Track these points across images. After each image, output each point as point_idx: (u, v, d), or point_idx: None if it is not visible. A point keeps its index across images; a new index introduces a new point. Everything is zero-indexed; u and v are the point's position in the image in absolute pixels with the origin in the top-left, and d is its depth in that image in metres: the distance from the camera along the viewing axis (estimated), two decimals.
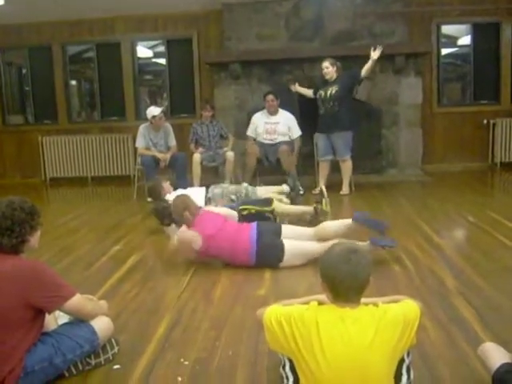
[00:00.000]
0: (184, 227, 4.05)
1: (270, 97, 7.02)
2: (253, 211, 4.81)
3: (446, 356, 2.54)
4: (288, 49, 7.77)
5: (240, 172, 7.39)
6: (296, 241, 3.96)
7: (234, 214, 4.53)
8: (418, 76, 7.87)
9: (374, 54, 6.38)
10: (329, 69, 6.53)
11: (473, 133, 8.34)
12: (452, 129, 8.36)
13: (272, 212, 4.88)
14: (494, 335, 2.65)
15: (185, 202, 4.11)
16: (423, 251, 4.24)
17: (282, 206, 5.17)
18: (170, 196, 5.42)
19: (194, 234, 3.88)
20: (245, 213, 4.77)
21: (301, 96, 7.21)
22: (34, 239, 2.45)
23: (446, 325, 2.87)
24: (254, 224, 4.08)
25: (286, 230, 4.14)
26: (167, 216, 4.71)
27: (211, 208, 4.54)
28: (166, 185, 5.71)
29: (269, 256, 3.86)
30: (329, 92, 6.56)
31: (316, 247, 3.84)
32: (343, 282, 1.87)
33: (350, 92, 6.62)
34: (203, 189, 5.79)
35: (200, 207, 4.39)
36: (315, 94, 6.82)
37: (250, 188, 5.81)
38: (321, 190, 5.44)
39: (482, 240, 4.56)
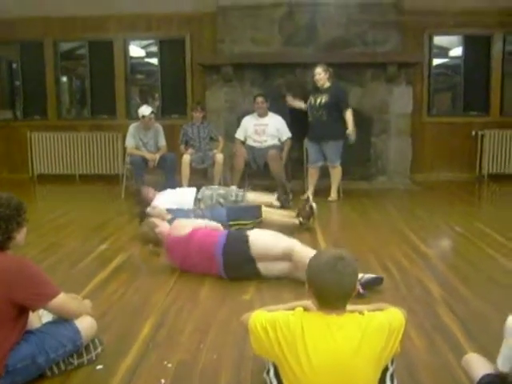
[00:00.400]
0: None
1: (260, 99, 7.05)
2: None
3: (430, 364, 2.55)
4: (281, 53, 7.77)
5: (229, 174, 7.38)
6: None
7: (219, 226, 4.30)
8: (409, 85, 7.91)
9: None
10: (321, 75, 6.54)
11: (461, 143, 8.40)
12: (441, 139, 8.41)
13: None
14: (478, 345, 2.67)
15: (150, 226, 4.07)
16: (410, 260, 4.26)
17: (270, 216, 5.09)
18: (156, 201, 5.41)
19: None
20: (235, 228, 4.76)
21: (294, 109, 7.16)
22: (21, 236, 2.42)
23: (431, 333, 2.89)
24: (225, 232, 3.96)
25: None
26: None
27: (196, 221, 4.29)
28: (150, 190, 5.67)
29: (236, 253, 3.69)
30: (318, 100, 6.57)
31: (285, 240, 3.73)
32: (329, 289, 1.87)
33: (338, 104, 6.61)
34: (194, 189, 5.77)
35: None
36: (306, 101, 6.84)
37: (240, 193, 5.77)
38: (307, 201, 5.31)
39: (468, 250, 4.59)
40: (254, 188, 7.11)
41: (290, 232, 4.71)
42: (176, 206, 5.18)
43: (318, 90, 6.63)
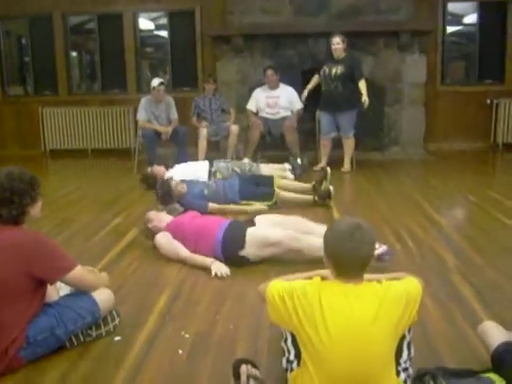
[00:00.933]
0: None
1: (270, 71, 6.97)
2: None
3: (446, 333, 2.56)
4: (292, 23, 7.66)
5: (242, 146, 7.35)
6: (262, 228, 3.72)
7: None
8: (423, 54, 7.79)
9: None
10: (339, 45, 6.43)
11: (476, 112, 8.28)
12: (455, 108, 8.30)
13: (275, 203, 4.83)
14: (493, 314, 2.67)
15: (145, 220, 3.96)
16: (424, 229, 4.25)
17: (283, 195, 4.96)
18: (169, 173, 5.40)
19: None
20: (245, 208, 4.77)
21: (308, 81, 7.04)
22: (35, 210, 2.42)
23: (446, 303, 2.89)
24: (226, 222, 3.77)
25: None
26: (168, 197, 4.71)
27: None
28: (157, 168, 5.65)
29: (230, 246, 3.54)
30: (334, 71, 6.47)
31: (278, 232, 3.56)
32: (347, 258, 1.86)
33: (353, 74, 6.52)
34: (206, 162, 5.77)
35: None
36: (319, 70, 6.73)
37: (254, 164, 5.77)
38: (324, 171, 5.26)
39: (482, 219, 4.57)
40: (267, 160, 7.12)
41: (303, 207, 4.73)
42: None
43: (332, 60, 6.53)
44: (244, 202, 4.85)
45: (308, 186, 5.17)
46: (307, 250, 3.39)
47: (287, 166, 6.01)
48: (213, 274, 3.34)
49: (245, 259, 3.52)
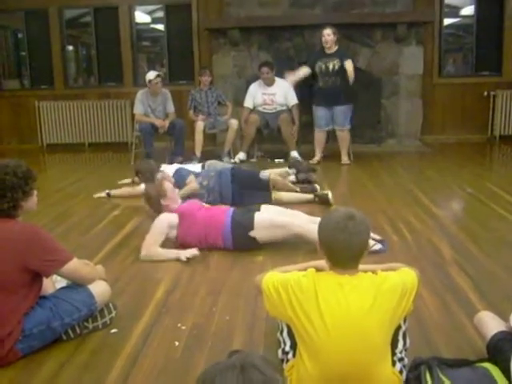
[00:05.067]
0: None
1: (265, 69, 6.89)
2: None
3: (442, 324, 2.57)
4: (288, 16, 7.64)
5: (238, 140, 7.34)
6: (269, 213, 3.80)
7: None
8: (420, 46, 7.78)
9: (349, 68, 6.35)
10: (330, 36, 6.41)
11: (473, 104, 8.28)
12: (452, 100, 8.29)
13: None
14: (489, 304, 2.67)
15: (157, 189, 3.96)
16: (421, 221, 4.25)
17: (281, 197, 4.78)
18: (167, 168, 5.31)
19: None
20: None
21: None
22: (28, 204, 2.41)
23: (442, 293, 2.90)
24: (231, 209, 3.81)
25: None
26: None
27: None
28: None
29: (240, 229, 3.61)
30: (331, 66, 6.43)
31: (283, 217, 3.71)
32: (340, 249, 1.86)
33: None
34: (199, 166, 5.66)
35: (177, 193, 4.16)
36: (312, 65, 6.64)
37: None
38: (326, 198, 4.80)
39: (479, 211, 4.58)
40: (264, 155, 7.13)
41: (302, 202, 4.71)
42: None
43: (325, 54, 6.49)
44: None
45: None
46: (309, 233, 3.41)
47: (290, 170, 5.60)
48: (183, 258, 3.44)
49: (254, 241, 3.60)
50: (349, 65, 6.39)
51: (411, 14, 7.62)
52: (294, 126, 6.95)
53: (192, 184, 4.76)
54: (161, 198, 3.93)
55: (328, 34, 6.41)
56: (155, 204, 3.97)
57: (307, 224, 3.58)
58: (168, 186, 4.01)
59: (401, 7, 7.61)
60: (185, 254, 3.48)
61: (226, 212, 3.75)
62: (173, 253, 3.55)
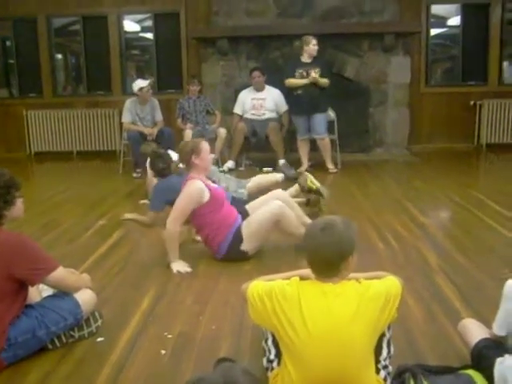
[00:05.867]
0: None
1: (256, 73, 6.98)
2: None
3: (427, 331, 2.58)
4: (277, 25, 7.68)
5: (227, 149, 7.36)
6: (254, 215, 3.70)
7: None
8: (407, 55, 7.84)
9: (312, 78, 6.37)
10: (315, 46, 6.46)
11: (460, 113, 8.34)
12: (439, 109, 8.36)
13: None
14: (475, 312, 2.69)
15: (194, 146, 3.66)
16: (408, 230, 4.27)
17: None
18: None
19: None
20: None
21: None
22: (13, 213, 2.40)
23: (428, 301, 2.92)
24: (239, 219, 3.74)
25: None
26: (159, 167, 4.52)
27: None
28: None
29: (235, 241, 3.61)
30: (312, 74, 6.45)
31: (270, 207, 3.61)
32: (312, 257, 1.90)
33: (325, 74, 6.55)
34: None
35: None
36: (292, 74, 6.55)
37: (240, 190, 5.05)
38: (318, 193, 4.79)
39: (466, 220, 4.61)
40: (252, 163, 7.14)
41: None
42: None
43: (304, 63, 6.49)
44: None
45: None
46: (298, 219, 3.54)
47: (278, 175, 5.65)
48: (174, 271, 3.44)
49: (244, 254, 3.61)
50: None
51: (398, 24, 7.69)
52: (283, 131, 7.02)
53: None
54: (193, 154, 3.61)
55: (314, 44, 6.45)
56: (185, 156, 3.66)
57: (297, 228, 3.59)
58: (206, 148, 3.71)
59: (388, 17, 7.68)
60: (178, 267, 3.47)
61: (236, 220, 3.68)
62: (174, 256, 3.52)
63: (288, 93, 6.75)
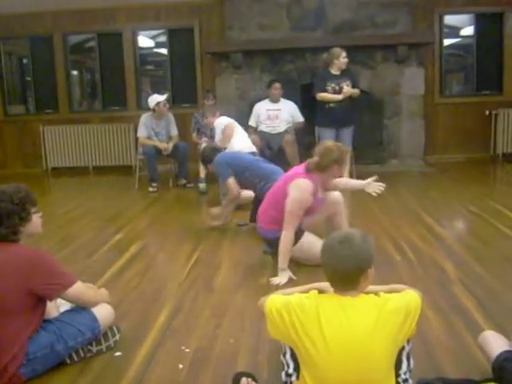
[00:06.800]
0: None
1: (277, 85, 7.04)
2: None
3: (447, 344, 2.55)
4: (290, 38, 7.72)
5: None
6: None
7: None
8: (421, 66, 7.83)
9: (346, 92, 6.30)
10: (345, 59, 6.38)
11: (475, 124, 8.30)
12: (454, 120, 8.32)
13: None
14: (495, 324, 2.66)
15: (340, 156, 3.57)
16: (425, 241, 4.24)
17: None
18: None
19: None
20: None
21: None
22: (29, 228, 2.42)
23: (447, 313, 2.88)
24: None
25: None
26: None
27: None
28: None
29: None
30: (345, 87, 6.35)
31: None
32: (330, 271, 1.90)
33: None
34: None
35: None
36: (323, 87, 6.45)
37: None
38: None
39: (483, 230, 4.56)
40: None
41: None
42: None
43: (334, 76, 6.45)
44: None
45: None
46: None
47: None
48: (278, 281, 3.40)
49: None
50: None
51: (411, 35, 7.69)
52: (296, 145, 7.00)
53: (231, 191, 4.64)
54: (336, 164, 3.57)
55: (344, 57, 6.38)
56: (327, 161, 3.54)
57: None
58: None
59: (401, 29, 7.68)
60: (286, 275, 3.47)
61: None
62: (285, 262, 3.50)
63: (320, 106, 6.66)
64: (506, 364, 2.01)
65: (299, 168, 3.72)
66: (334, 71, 6.41)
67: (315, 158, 3.56)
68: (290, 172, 3.79)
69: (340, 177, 3.87)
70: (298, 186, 3.53)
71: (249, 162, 4.72)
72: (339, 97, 6.36)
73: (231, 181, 4.61)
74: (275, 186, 3.80)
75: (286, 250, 3.49)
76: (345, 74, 6.42)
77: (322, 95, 6.39)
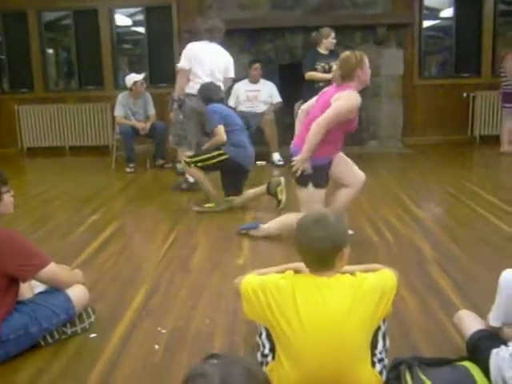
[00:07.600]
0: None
1: (257, 65, 7.06)
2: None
3: (423, 324, 2.57)
4: (269, 18, 7.64)
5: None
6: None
7: None
8: (400, 48, 7.83)
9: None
10: (334, 40, 6.34)
11: (453, 105, 8.33)
12: (433, 101, 8.35)
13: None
14: (470, 304, 2.68)
15: (360, 58, 3.52)
16: (402, 222, 4.26)
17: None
18: None
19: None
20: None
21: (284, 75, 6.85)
22: (0, 208, 2.38)
23: (423, 294, 2.90)
24: None
25: None
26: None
27: None
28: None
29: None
30: (334, 66, 6.32)
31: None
32: (303, 251, 1.89)
33: None
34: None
35: None
36: (313, 66, 6.41)
37: None
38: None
39: (460, 211, 4.60)
40: None
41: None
42: None
43: (323, 56, 6.39)
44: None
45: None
46: None
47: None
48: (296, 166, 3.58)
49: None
50: None
51: (391, 16, 7.66)
52: (275, 126, 6.97)
53: (219, 135, 4.59)
54: (358, 66, 3.54)
55: (333, 38, 6.35)
56: (350, 68, 3.52)
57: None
58: (367, 62, 3.62)
59: (380, 9, 7.65)
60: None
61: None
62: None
63: (307, 85, 6.61)
64: (480, 343, 2.03)
65: (330, 89, 3.65)
66: (322, 51, 6.41)
67: (338, 72, 3.54)
68: (324, 95, 3.65)
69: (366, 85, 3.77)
70: (345, 95, 3.47)
71: (238, 125, 4.78)
72: (329, 76, 6.32)
73: (221, 127, 4.58)
74: (312, 114, 3.63)
75: (313, 141, 3.46)
76: (333, 54, 6.40)
77: (312, 74, 6.35)
